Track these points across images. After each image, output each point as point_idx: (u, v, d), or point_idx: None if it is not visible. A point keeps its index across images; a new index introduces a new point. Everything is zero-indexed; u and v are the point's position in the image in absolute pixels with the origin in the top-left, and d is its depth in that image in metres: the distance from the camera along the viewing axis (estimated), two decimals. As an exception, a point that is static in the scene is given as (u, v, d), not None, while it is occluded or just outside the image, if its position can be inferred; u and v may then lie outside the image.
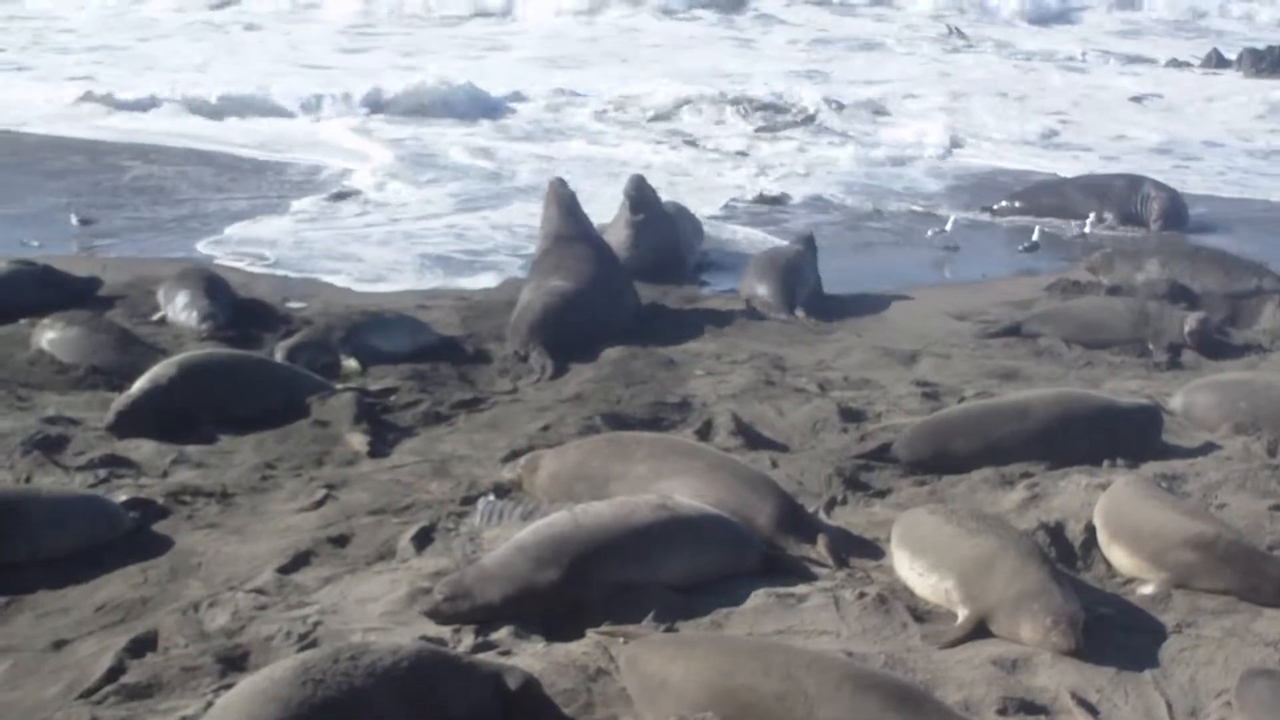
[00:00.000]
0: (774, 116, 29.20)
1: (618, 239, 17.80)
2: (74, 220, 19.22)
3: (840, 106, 30.13)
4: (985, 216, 22.21)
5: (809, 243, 17.62)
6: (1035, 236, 20.29)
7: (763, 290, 16.74)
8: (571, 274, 15.71)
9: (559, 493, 10.40)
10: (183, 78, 29.94)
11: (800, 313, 16.39)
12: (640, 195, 18.01)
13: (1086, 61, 40.11)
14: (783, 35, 42.51)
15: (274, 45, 36.25)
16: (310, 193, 22.21)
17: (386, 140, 26.09)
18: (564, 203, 16.75)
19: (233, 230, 19.63)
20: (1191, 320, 15.43)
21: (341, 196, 22.00)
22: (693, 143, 27.06)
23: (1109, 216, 21.70)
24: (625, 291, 16.27)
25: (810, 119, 29.25)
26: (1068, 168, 25.84)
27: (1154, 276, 17.28)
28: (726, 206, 22.01)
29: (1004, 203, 22.46)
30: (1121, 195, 22.00)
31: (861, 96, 31.51)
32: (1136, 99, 33.00)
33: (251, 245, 18.81)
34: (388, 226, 20.24)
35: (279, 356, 13.60)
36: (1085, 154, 27.77)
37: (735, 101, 29.69)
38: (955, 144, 27.62)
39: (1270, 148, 29.18)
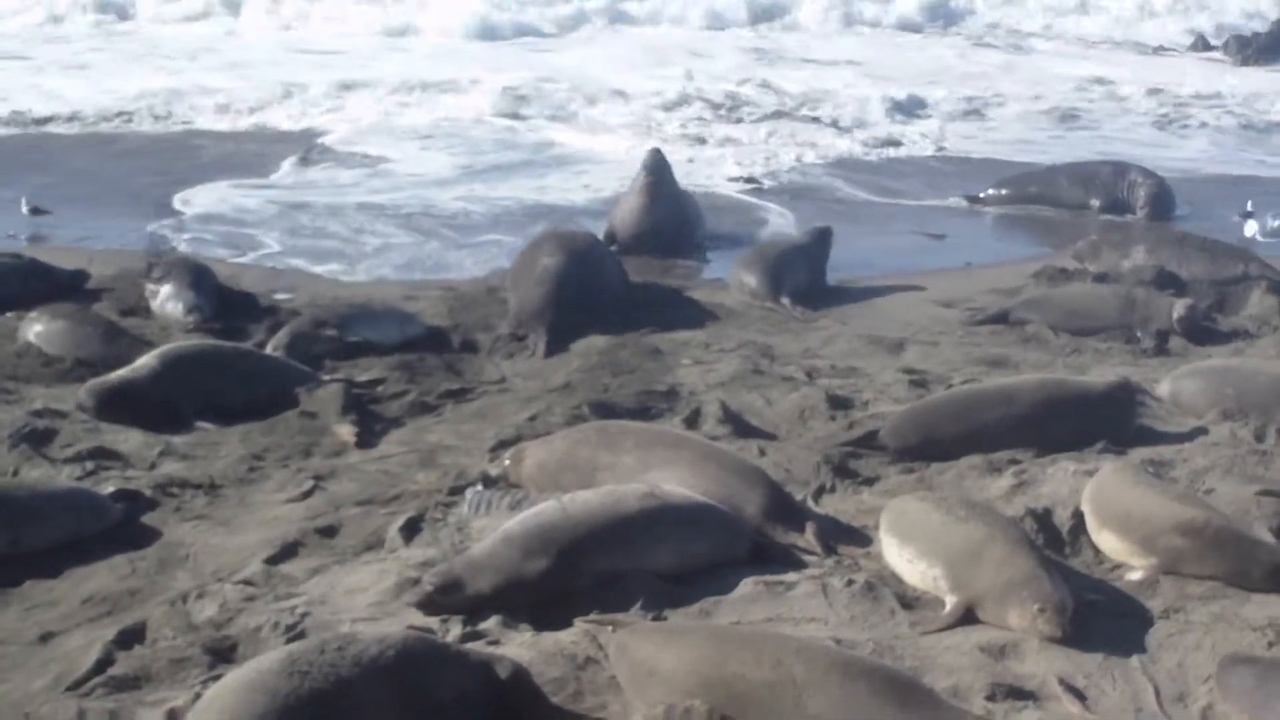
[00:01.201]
0: (732, 107, 29.22)
1: (631, 206, 18.47)
2: (24, 209, 18.94)
3: (791, 96, 30.15)
4: (962, 203, 22.27)
5: (818, 235, 17.67)
6: (1250, 206, 20.93)
7: (749, 278, 16.74)
8: (557, 249, 16.01)
9: (546, 483, 10.39)
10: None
11: (786, 300, 16.39)
12: (656, 165, 18.66)
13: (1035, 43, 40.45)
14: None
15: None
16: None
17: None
18: None
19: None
20: (1180, 306, 15.44)
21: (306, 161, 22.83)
22: (661, 130, 27.12)
23: (1096, 203, 21.75)
24: (607, 261, 16.86)
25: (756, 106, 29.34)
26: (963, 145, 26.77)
27: (1141, 263, 17.28)
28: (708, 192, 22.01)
29: (990, 191, 22.43)
30: (1108, 182, 22.02)
31: (811, 82, 31.79)
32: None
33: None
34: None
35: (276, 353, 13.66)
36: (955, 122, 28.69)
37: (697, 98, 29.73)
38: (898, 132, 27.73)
39: (1168, 118, 30.20)
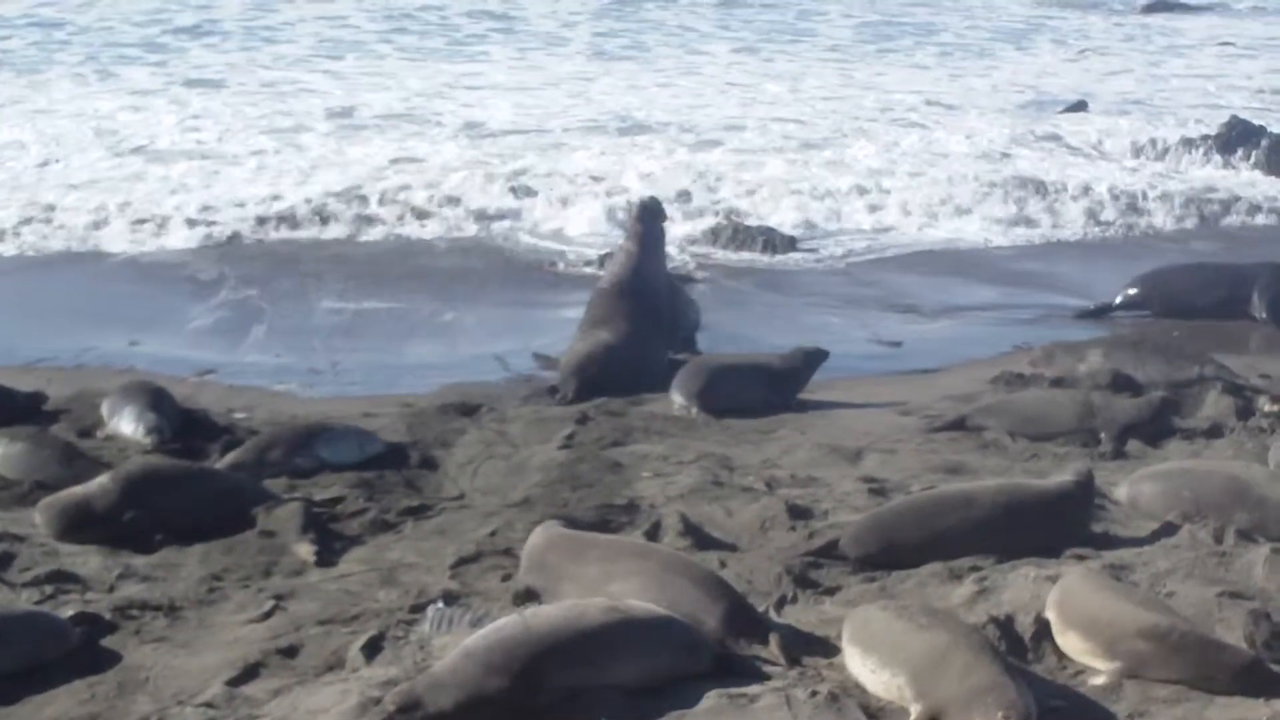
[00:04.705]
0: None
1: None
2: None
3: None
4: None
5: (804, 356, 17.58)
6: None
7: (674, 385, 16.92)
8: (615, 327, 17.67)
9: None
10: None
11: (692, 409, 16.45)
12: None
13: None
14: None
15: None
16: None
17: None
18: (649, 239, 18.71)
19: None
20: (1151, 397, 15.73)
21: None
22: None
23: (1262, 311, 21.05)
24: (661, 349, 17.96)
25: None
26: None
27: (1096, 367, 17.37)
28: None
29: (1124, 296, 21.84)
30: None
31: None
32: None
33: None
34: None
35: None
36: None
37: None
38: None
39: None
